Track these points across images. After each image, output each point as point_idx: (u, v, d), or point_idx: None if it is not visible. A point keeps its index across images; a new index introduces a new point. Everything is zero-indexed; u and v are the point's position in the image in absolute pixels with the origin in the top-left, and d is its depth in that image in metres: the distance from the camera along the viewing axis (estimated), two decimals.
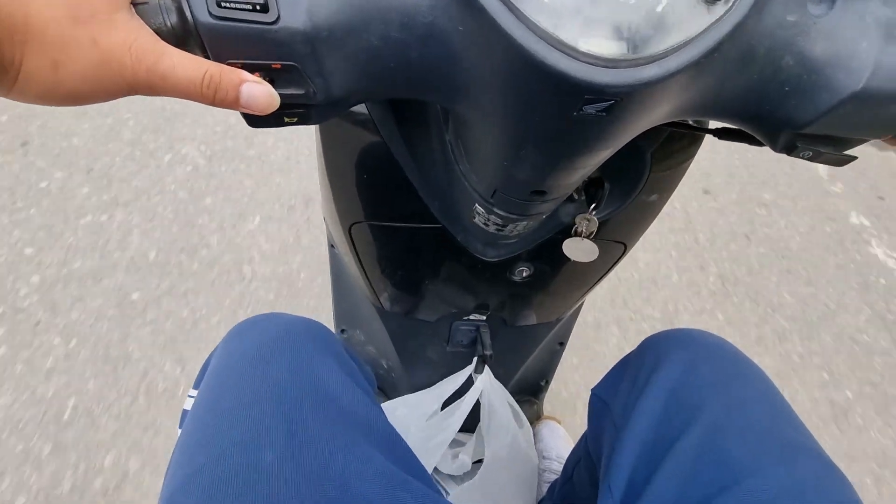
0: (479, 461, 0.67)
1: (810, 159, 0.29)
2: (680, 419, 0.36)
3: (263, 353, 0.37)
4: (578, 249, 0.45)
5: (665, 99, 0.24)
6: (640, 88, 0.21)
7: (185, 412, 0.42)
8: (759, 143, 0.31)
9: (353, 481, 0.29)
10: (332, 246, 0.64)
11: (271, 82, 0.22)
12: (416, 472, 0.34)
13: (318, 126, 0.41)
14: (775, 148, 0.29)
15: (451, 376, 0.65)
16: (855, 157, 0.29)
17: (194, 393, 0.40)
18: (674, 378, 0.39)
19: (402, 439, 0.36)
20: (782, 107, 0.26)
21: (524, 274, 0.51)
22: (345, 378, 0.37)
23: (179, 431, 0.37)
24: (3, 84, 0.19)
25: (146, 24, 0.20)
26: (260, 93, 0.22)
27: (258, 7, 0.20)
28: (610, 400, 0.46)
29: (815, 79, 0.25)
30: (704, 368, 0.39)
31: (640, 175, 0.42)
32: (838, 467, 0.33)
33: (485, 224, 0.40)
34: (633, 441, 0.37)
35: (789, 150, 0.28)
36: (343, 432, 0.32)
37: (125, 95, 0.21)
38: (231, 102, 0.21)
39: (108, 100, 0.21)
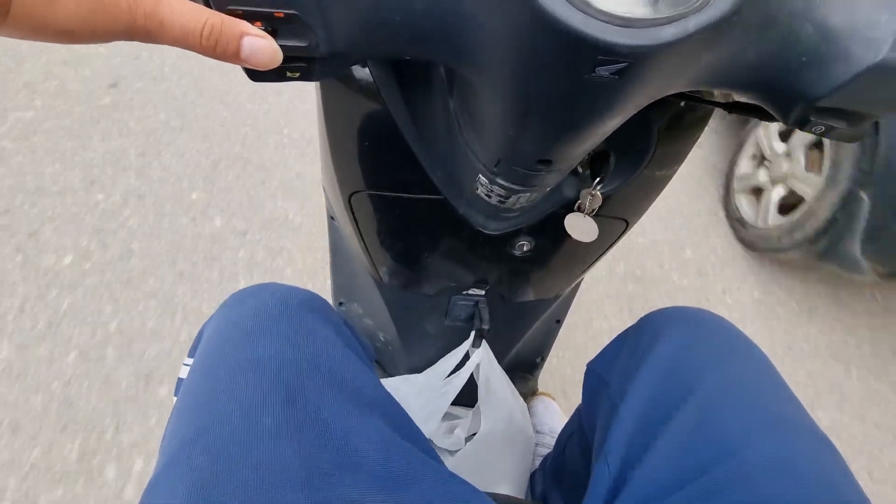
0: (474, 435, 0.68)
1: (822, 135, 0.28)
2: (676, 394, 0.36)
3: (261, 323, 0.37)
4: (580, 227, 0.45)
5: (680, 64, 0.23)
6: (657, 50, 0.20)
7: (180, 380, 0.42)
8: (771, 118, 0.31)
9: (353, 447, 0.29)
10: (331, 218, 0.64)
11: (273, 33, 0.21)
12: (416, 439, 0.34)
13: (319, 92, 0.40)
14: (787, 122, 0.28)
15: (451, 353, 0.65)
16: (866, 135, 0.29)
17: (189, 361, 0.40)
18: (671, 354, 0.39)
19: (401, 407, 0.36)
20: (798, 78, 0.25)
21: (525, 248, 0.51)
22: (343, 348, 0.37)
23: (175, 399, 0.37)
24: None
25: None
26: (262, 47, 0.21)
27: None
28: (606, 375, 0.46)
29: (833, 49, 0.24)
30: (701, 345, 0.40)
31: (647, 149, 0.41)
32: (831, 441, 0.34)
33: (487, 196, 0.39)
34: (630, 415, 0.37)
35: (802, 124, 0.28)
36: (342, 400, 0.32)
37: (122, 39, 0.20)
38: (232, 56, 0.21)
39: (105, 41, 0.20)
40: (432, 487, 0.30)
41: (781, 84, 0.26)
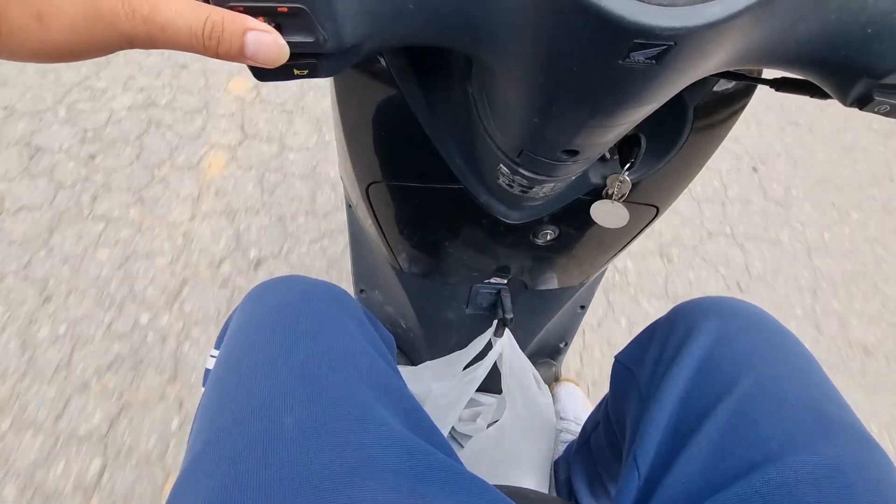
0: (496, 422, 0.68)
1: (886, 114, 0.25)
2: (711, 392, 0.35)
3: (283, 316, 0.36)
4: (608, 214, 0.43)
5: (725, 43, 0.20)
6: (701, 31, 0.18)
7: (207, 371, 0.43)
8: (825, 96, 0.28)
9: (374, 447, 0.29)
10: (349, 206, 0.63)
11: (277, 28, 0.20)
12: (435, 440, 0.34)
13: (333, 81, 0.39)
14: (846, 101, 0.25)
15: (473, 341, 0.64)
16: None
17: (216, 353, 0.41)
18: (705, 349, 0.37)
19: (421, 407, 0.36)
20: (862, 52, 0.23)
21: (548, 237, 0.49)
22: (364, 344, 0.37)
23: (203, 389, 0.38)
24: None
25: None
26: (268, 42, 0.19)
27: None
28: (635, 368, 0.44)
29: None
30: (738, 339, 0.37)
31: (681, 132, 0.38)
32: (877, 442, 0.32)
33: (509, 185, 0.37)
34: (661, 413, 0.36)
35: (863, 102, 0.25)
36: (364, 398, 0.32)
37: (122, 49, 0.19)
38: (236, 54, 0.19)
39: (105, 54, 0.19)
40: (453, 489, 0.29)
41: (841, 58, 0.23)
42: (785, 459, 0.30)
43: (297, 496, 0.26)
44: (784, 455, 0.30)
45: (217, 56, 0.19)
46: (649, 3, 0.18)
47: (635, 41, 0.18)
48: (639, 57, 0.19)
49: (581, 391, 0.88)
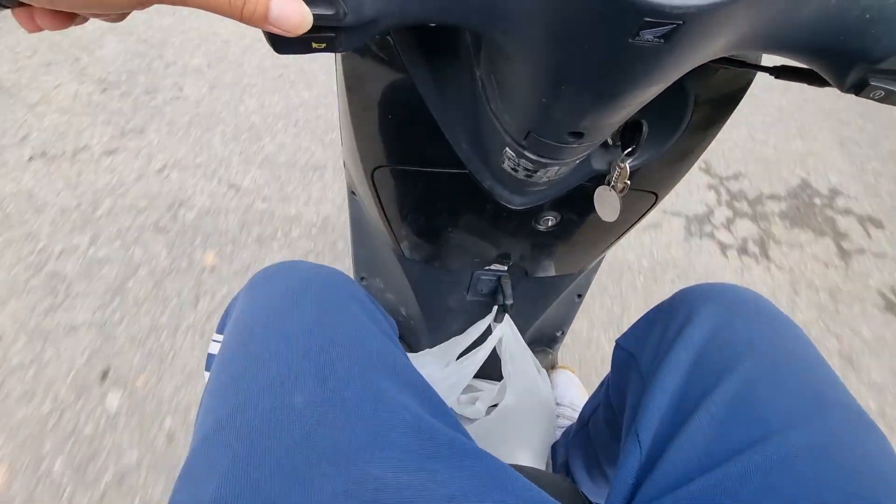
0: (495, 406, 0.69)
1: (881, 100, 0.26)
2: (712, 374, 0.36)
3: (289, 300, 0.37)
4: (607, 203, 0.44)
5: (731, 25, 0.21)
6: (708, 11, 0.19)
7: (210, 356, 0.43)
8: (823, 83, 0.29)
9: (383, 424, 0.30)
10: (352, 192, 0.63)
11: None
12: (445, 415, 0.34)
13: (340, 63, 0.39)
14: (843, 87, 0.26)
15: (473, 326, 0.65)
16: None
17: (219, 338, 0.41)
18: (706, 332, 0.38)
19: (429, 385, 0.36)
20: (859, 37, 0.23)
21: (550, 223, 0.49)
22: (370, 325, 0.37)
23: (206, 375, 0.38)
24: None
25: None
26: (292, 9, 0.20)
27: None
28: (636, 351, 0.45)
29: None
30: (738, 324, 0.38)
31: (682, 118, 0.39)
32: (874, 422, 0.33)
33: (514, 169, 0.38)
34: (663, 393, 0.37)
35: (859, 88, 0.26)
36: (371, 377, 0.32)
37: (151, 4, 0.19)
38: (259, 18, 0.20)
39: (136, 8, 0.19)
40: (462, 464, 0.30)
41: (840, 44, 0.24)
42: (782, 435, 0.31)
43: (311, 469, 0.27)
44: (782, 431, 0.31)
45: (241, 18, 0.20)
46: None
47: (645, 19, 0.19)
48: (648, 35, 0.20)
49: (577, 378, 0.89)
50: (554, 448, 0.73)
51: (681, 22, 0.19)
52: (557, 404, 0.83)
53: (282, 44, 0.22)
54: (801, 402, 0.33)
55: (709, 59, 0.25)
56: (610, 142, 0.42)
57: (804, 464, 0.30)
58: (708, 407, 0.34)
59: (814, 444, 0.30)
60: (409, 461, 0.29)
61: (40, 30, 0.21)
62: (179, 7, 0.20)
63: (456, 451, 0.30)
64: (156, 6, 0.20)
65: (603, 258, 0.70)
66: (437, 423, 0.32)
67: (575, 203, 0.47)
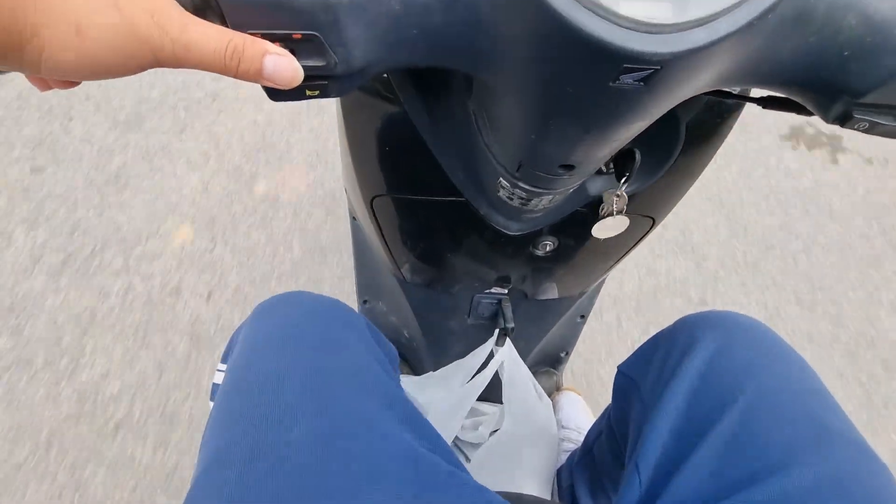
0: (497, 431, 0.68)
1: (866, 131, 0.27)
2: (713, 403, 0.35)
3: (289, 332, 0.38)
4: (609, 228, 0.44)
5: (710, 66, 0.22)
6: (686, 55, 0.20)
7: (215, 386, 0.44)
8: (808, 113, 0.29)
9: (380, 458, 0.30)
10: (353, 218, 0.64)
11: (291, 53, 0.21)
12: (438, 449, 0.34)
13: (340, 99, 0.40)
14: (827, 118, 0.27)
15: (475, 351, 0.65)
16: None
17: (223, 367, 0.42)
18: (707, 360, 0.38)
19: (424, 417, 0.37)
20: (840, 73, 0.24)
21: (547, 248, 0.50)
22: (368, 358, 0.38)
23: (211, 404, 0.39)
24: (29, 56, 0.18)
25: None
26: (285, 65, 0.21)
27: None
28: (638, 378, 0.45)
29: (879, 41, 0.23)
30: (739, 351, 0.38)
31: (674, 146, 0.40)
32: (875, 452, 0.32)
33: (509, 198, 0.39)
34: (664, 422, 0.37)
35: (843, 120, 0.26)
36: (368, 410, 0.33)
37: (150, 67, 0.20)
38: (254, 74, 0.21)
39: (137, 72, 0.20)
40: (457, 496, 0.30)
41: (821, 79, 0.25)
42: (786, 471, 0.30)
43: None
44: (785, 467, 0.30)
45: (237, 75, 0.21)
46: (637, 31, 0.19)
47: (624, 65, 0.20)
48: (628, 80, 0.21)
49: (582, 400, 0.88)
50: (559, 472, 0.72)
51: (658, 67, 0.20)
52: (562, 427, 0.82)
53: (278, 93, 0.23)
54: (802, 433, 0.32)
55: (694, 94, 0.26)
56: (604, 169, 0.42)
57: (809, 499, 0.29)
58: (709, 440, 0.33)
59: (817, 481, 0.30)
60: (405, 493, 0.29)
61: (51, 88, 0.22)
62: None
63: (450, 483, 0.30)
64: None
65: (604, 280, 0.70)
66: (432, 455, 0.32)
67: (572, 228, 0.47)
